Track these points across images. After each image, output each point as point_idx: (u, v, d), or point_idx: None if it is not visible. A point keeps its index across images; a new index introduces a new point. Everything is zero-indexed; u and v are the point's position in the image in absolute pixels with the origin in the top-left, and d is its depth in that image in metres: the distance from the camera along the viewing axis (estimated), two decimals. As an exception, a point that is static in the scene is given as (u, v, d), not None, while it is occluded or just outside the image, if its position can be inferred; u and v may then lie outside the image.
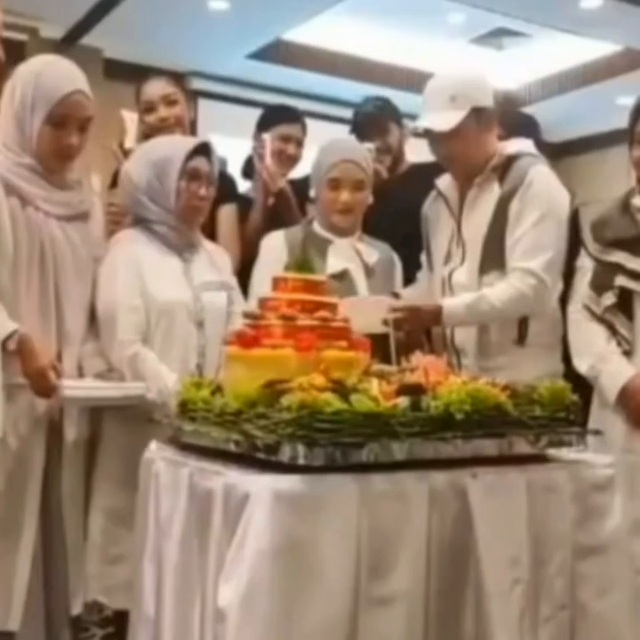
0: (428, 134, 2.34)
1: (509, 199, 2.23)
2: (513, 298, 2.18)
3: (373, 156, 2.69)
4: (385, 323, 2.04)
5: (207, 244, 2.35)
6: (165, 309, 2.13)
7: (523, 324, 2.25)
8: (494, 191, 2.27)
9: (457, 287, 2.30)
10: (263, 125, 2.97)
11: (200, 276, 2.23)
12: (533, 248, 2.19)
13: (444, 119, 2.24)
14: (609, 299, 2.24)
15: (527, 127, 2.89)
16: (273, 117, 3.00)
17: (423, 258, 2.52)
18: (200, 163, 2.23)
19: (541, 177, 2.25)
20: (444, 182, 2.41)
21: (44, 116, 1.96)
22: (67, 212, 2.05)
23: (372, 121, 2.92)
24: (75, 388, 1.95)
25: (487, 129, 2.30)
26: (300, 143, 2.98)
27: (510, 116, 2.94)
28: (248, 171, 3.01)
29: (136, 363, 2.07)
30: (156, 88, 2.67)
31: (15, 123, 1.99)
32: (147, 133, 2.64)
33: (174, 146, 2.25)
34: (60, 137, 1.98)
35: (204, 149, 2.24)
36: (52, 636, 2.02)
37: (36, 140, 1.98)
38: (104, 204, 2.39)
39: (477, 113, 2.27)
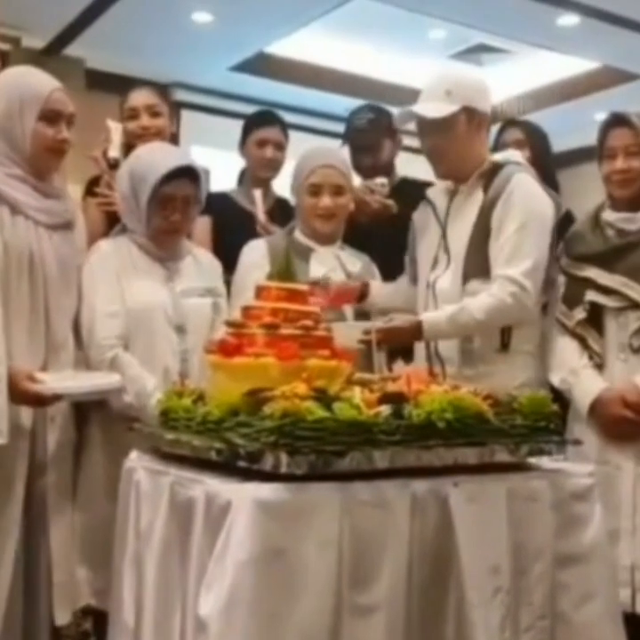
0: (419, 125, 2.32)
1: (492, 207, 2.24)
2: (494, 308, 2.17)
3: (386, 190, 2.69)
4: (362, 342, 2.03)
5: (196, 251, 2.35)
6: (142, 315, 2.14)
7: (506, 331, 2.25)
8: (478, 198, 2.28)
9: (440, 294, 2.29)
10: (244, 134, 2.98)
11: (183, 284, 2.23)
12: (515, 255, 2.19)
13: (436, 108, 2.24)
14: (580, 313, 2.27)
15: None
16: (250, 124, 2.99)
17: (406, 262, 2.52)
18: (176, 187, 2.16)
19: (523, 185, 2.26)
20: (433, 190, 2.42)
21: (37, 114, 2.02)
22: (54, 221, 2.08)
23: (364, 138, 2.88)
24: (57, 386, 1.96)
25: (477, 132, 2.30)
26: (279, 146, 2.94)
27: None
28: (242, 180, 3.05)
29: (115, 366, 2.08)
30: (141, 97, 2.67)
31: (1, 134, 2.01)
32: (127, 141, 2.63)
33: (153, 164, 2.16)
34: (54, 133, 2.04)
35: (184, 170, 2.17)
36: None
37: (30, 140, 2.02)
38: (104, 183, 2.48)
39: (469, 112, 2.27)
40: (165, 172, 2.13)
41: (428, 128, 2.29)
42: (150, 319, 2.15)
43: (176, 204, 2.18)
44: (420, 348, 2.35)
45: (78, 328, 2.15)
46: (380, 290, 2.43)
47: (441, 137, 2.28)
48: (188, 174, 2.19)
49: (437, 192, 2.41)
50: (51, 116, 2.03)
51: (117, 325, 2.12)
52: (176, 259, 2.26)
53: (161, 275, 2.22)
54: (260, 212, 2.76)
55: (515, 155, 2.40)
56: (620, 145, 2.28)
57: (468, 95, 2.28)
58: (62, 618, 2.03)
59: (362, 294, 2.38)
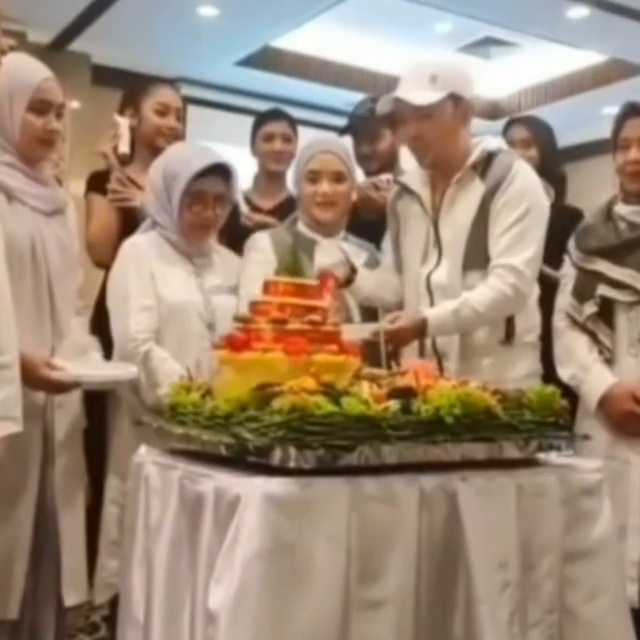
0: (402, 112, 2.22)
1: (493, 193, 2.18)
2: (495, 301, 2.14)
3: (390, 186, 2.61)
4: (369, 343, 1.99)
5: (219, 249, 2.39)
6: (176, 311, 2.17)
7: (510, 323, 2.22)
8: (477, 187, 2.21)
9: (437, 288, 2.23)
10: (253, 133, 3.01)
11: (211, 281, 2.27)
12: (517, 243, 2.15)
13: (422, 95, 2.15)
14: (590, 307, 2.27)
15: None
16: (257, 123, 3.02)
17: (386, 247, 2.46)
18: (207, 184, 2.20)
19: (525, 171, 2.22)
20: (415, 181, 2.34)
21: (26, 103, 2.01)
22: (50, 207, 2.09)
23: (364, 125, 2.88)
24: (77, 373, 1.98)
25: (462, 120, 2.23)
26: (287, 138, 2.96)
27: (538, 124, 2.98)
28: (257, 183, 3.05)
29: (149, 360, 2.11)
30: (172, 97, 2.67)
31: None
32: (149, 134, 2.60)
33: (186, 162, 2.20)
34: (44, 123, 2.04)
35: (216, 168, 2.21)
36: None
37: (19, 130, 2.02)
38: (115, 179, 2.47)
39: (456, 100, 2.19)
40: (199, 168, 2.17)
41: (412, 116, 2.19)
42: (184, 315, 2.18)
43: (208, 201, 2.21)
44: (412, 344, 2.27)
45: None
46: (367, 276, 2.34)
47: (426, 125, 2.17)
48: (221, 173, 2.23)
49: (420, 183, 2.32)
50: (40, 107, 2.02)
51: (151, 319, 2.15)
52: (203, 255, 2.31)
53: (190, 271, 2.26)
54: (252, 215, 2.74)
55: (501, 142, 2.40)
56: (634, 136, 2.27)
57: (455, 82, 2.19)
58: (71, 599, 2.04)
59: (348, 279, 2.26)
